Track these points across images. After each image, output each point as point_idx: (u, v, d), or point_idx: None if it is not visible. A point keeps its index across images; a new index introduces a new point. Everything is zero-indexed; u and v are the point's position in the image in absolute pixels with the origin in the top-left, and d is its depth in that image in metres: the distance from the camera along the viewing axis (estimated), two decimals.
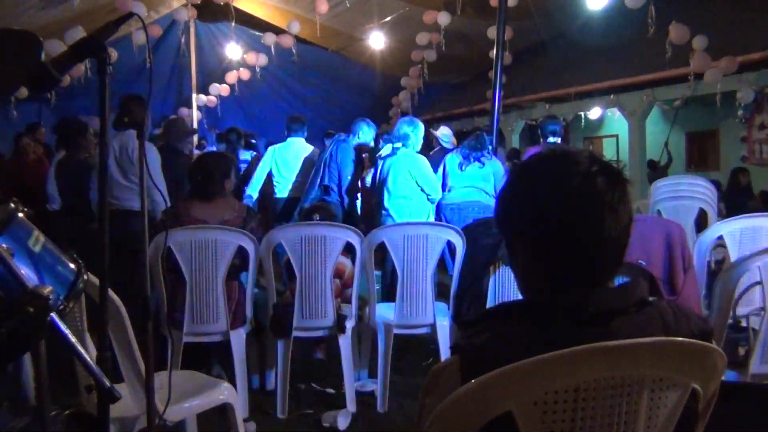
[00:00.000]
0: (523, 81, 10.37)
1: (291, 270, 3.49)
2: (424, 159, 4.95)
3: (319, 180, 5.36)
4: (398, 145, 4.88)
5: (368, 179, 5.54)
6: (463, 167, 5.39)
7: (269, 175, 6.05)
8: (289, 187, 5.96)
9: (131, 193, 4.49)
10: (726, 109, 8.15)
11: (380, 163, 5.06)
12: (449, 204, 5.39)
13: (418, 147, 4.96)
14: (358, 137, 5.47)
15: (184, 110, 10.18)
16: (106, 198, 1.52)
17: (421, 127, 4.98)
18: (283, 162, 5.96)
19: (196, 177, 3.57)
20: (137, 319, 1.94)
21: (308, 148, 6.05)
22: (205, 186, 3.52)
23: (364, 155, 5.65)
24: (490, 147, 5.75)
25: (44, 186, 5.54)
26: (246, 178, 6.43)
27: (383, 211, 4.91)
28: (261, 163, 6.10)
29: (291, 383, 3.45)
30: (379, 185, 4.98)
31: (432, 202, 5.02)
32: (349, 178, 5.31)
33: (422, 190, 4.86)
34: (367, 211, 5.66)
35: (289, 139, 6.02)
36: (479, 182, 5.39)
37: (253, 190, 6.02)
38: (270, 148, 6.16)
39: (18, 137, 6.79)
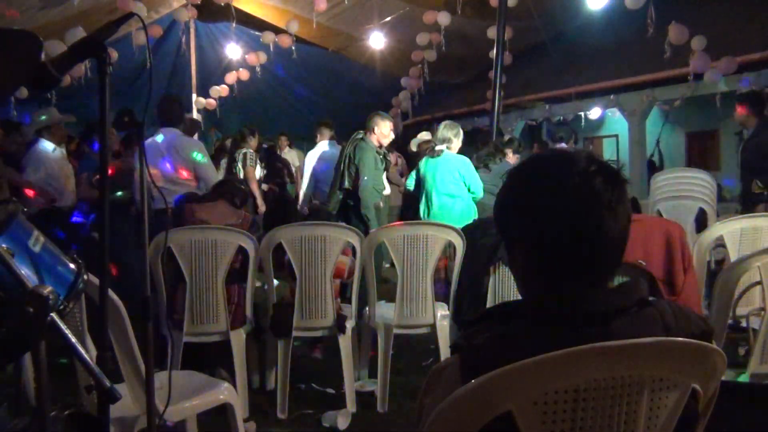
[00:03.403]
0: (523, 81, 10.36)
1: (291, 270, 3.50)
2: (468, 160, 5.22)
3: (339, 183, 5.17)
4: (441, 147, 5.12)
5: (409, 182, 5.57)
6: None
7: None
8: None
9: (184, 188, 4.45)
10: (726, 109, 8.13)
11: (421, 165, 5.27)
12: None
13: (457, 149, 5.20)
14: (375, 132, 5.19)
15: None
16: (106, 197, 1.51)
17: (461, 130, 5.27)
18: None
19: None
20: (137, 319, 1.94)
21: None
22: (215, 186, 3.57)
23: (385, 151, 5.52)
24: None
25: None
26: None
27: (427, 211, 5.11)
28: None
29: (291, 383, 3.45)
30: (423, 186, 5.19)
31: (474, 202, 5.20)
32: (366, 178, 5.06)
33: (468, 189, 5.09)
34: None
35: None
36: (487, 186, 5.48)
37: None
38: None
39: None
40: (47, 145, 5.38)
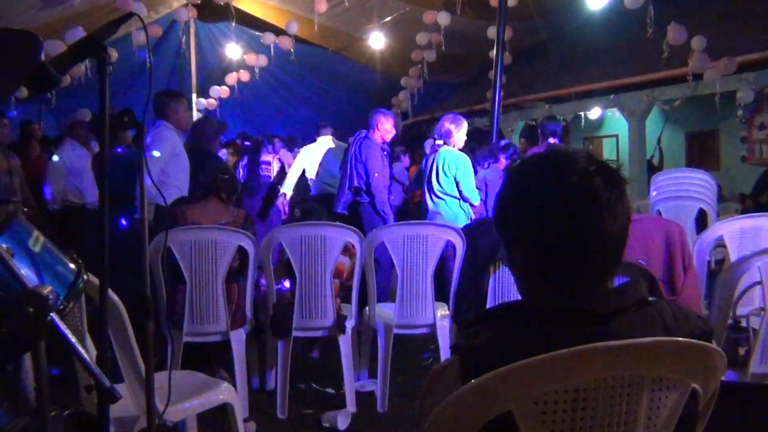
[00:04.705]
0: (523, 81, 10.36)
1: (291, 270, 3.49)
2: (465, 157, 4.89)
3: (347, 182, 5.10)
4: (440, 142, 4.87)
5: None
6: None
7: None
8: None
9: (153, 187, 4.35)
10: (726, 109, 8.13)
11: (425, 160, 5.14)
12: None
13: (461, 144, 4.93)
14: (378, 129, 5.13)
15: None
16: (106, 197, 1.51)
17: (465, 124, 4.95)
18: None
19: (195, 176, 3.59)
20: (137, 319, 1.94)
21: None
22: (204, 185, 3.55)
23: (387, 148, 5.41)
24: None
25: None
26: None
27: (426, 209, 4.96)
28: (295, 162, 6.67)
29: (291, 383, 3.45)
30: (424, 182, 5.00)
31: (467, 203, 4.90)
32: (376, 174, 5.00)
33: (457, 186, 4.79)
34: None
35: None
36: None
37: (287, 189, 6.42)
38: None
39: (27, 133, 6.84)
40: (72, 146, 5.76)
